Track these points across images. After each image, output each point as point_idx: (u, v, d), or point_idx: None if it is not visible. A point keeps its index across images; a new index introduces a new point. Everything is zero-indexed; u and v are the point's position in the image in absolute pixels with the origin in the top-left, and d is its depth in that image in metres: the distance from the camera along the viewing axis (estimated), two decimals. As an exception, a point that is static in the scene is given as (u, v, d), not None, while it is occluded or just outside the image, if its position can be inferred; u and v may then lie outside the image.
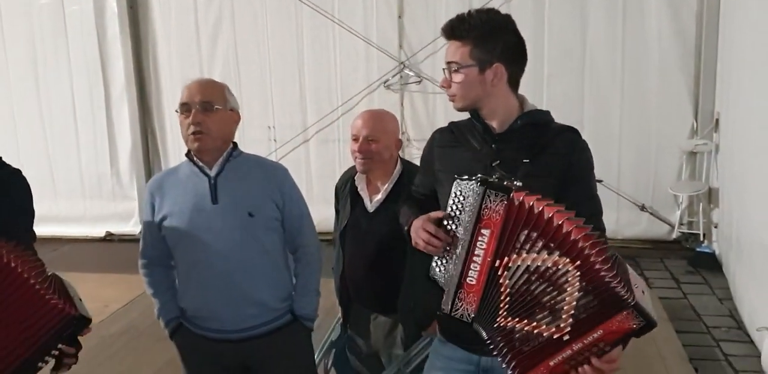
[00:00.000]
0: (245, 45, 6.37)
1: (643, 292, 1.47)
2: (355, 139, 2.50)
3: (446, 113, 5.65)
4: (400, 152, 2.61)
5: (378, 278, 2.53)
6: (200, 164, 2.24)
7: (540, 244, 1.50)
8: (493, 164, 1.77)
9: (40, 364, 1.60)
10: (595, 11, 5.66)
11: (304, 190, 2.43)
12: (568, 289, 1.46)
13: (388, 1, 6.01)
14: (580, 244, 1.45)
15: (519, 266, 1.52)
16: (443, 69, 1.84)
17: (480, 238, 1.59)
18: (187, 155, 2.29)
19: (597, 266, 1.43)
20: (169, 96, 6.54)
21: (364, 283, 2.59)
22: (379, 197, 2.53)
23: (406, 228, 1.88)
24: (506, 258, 1.54)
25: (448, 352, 1.97)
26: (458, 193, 1.65)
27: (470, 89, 1.81)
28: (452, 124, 1.97)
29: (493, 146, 1.82)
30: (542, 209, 1.50)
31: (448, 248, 1.67)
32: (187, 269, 2.27)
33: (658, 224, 5.90)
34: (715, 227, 5.52)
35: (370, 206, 2.55)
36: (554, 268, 1.48)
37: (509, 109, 1.85)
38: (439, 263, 1.70)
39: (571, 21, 5.70)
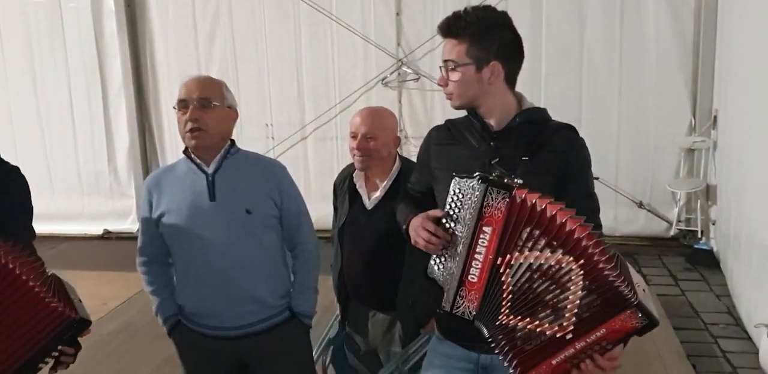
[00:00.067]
0: (243, 42, 6.36)
1: (644, 290, 1.47)
2: (354, 136, 2.50)
3: (444, 111, 5.64)
4: (398, 150, 2.61)
5: (376, 276, 2.52)
6: (198, 161, 2.24)
7: (543, 242, 1.50)
8: (493, 162, 1.77)
9: (39, 365, 1.60)
10: (593, 8, 5.65)
11: (302, 187, 2.42)
12: (572, 288, 1.46)
13: (386, -1, 6.01)
14: (583, 242, 1.45)
15: (521, 264, 1.52)
16: (440, 67, 1.84)
17: (482, 236, 1.58)
18: (185, 152, 2.28)
19: (600, 265, 1.43)
20: (167, 94, 6.52)
21: (362, 280, 2.59)
22: (378, 194, 2.53)
23: (404, 227, 1.88)
24: (508, 256, 1.53)
25: (446, 350, 1.96)
26: (457, 191, 1.64)
27: (467, 88, 1.80)
28: (449, 121, 1.97)
29: (491, 143, 1.82)
30: (545, 206, 1.50)
31: (447, 246, 1.67)
32: (185, 266, 2.27)
33: (656, 222, 5.91)
34: (713, 224, 5.52)
35: (369, 204, 2.55)
36: (557, 266, 1.47)
37: (507, 106, 1.84)
38: (437, 261, 1.69)
39: (569, 18, 5.70)
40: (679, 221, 5.82)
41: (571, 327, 1.46)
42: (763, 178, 3.82)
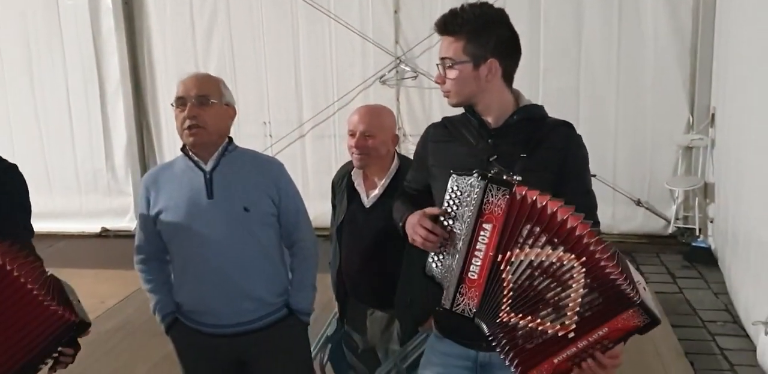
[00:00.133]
0: (240, 40, 6.35)
1: (644, 288, 1.47)
2: (352, 134, 2.49)
3: (442, 108, 5.60)
4: (396, 148, 2.60)
5: (375, 274, 2.52)
6: (195, 158, 2.23)
7: (543, 239, 1.49)
8: (491, 159, 1.76)
9: (38, 366, 1.60)
10: (591, 5, 5.65)
11: (300, 185, 2.42)
12: (573, 285, 1.45)
13: (384, -4, 5.99)
14: (585, 240, 1.44)
15: (522, 261, 1.51)
16: (437, 65, 1.83)
17: (482, 233, 1.57)
18: (183, 149, 2.28)
19: (602, 263, 1.43)
20: (164, 91, 6.51)
21: (360, 278, 2.59)
22: (376, 192, 2.52)
23: (400, 224, 1.88)
24: (509, 253, 1.53)
25: (444, 348, 1.96)
26: (455, 188, 1.63)
27: (465, 85, 1.80)
28: (446, 119, 1.96)
29: (489, 141, 1.81)
30: (545, 203, 1.49)
31: (445, 244, 1.66)
32: (183, 264, 2.27)
33: (654, 219, 5.91)
34: (711, 221, 5.53)
35: (367, 202, 2.54)
36: (558, 264, 1.47)
37: (504, 104, 1.84)
38: (435, 259, 1.69)
39: (567, 15, 5.69)
40: (677, 218, 5.82)
41: (573, 326, 1.45)
42: (761, 176, 3.82)
